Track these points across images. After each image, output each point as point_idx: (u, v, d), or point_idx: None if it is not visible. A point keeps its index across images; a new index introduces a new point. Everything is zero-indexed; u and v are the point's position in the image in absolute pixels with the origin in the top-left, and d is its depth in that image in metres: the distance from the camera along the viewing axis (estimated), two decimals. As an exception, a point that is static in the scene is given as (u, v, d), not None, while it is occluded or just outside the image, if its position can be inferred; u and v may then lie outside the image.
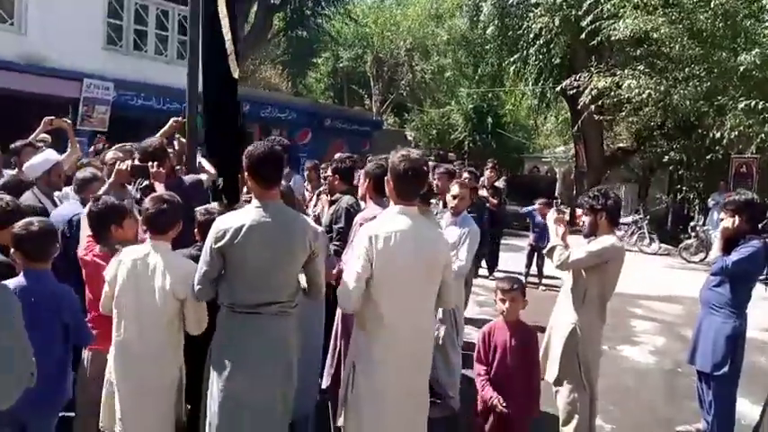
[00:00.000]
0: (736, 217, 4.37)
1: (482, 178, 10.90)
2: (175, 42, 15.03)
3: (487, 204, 9.39)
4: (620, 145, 20.95)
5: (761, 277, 5.51)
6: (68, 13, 12.01)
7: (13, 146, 5.69)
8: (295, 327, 3.08)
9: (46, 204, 4.47)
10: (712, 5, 12.54)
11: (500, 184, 10.66)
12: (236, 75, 4.14)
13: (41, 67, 11.94)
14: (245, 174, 3.02)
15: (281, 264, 2.95)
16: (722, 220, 4.51)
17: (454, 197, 4.95)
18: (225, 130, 4.21)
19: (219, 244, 2.90)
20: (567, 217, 4.20)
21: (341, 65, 30.47)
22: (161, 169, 4.19)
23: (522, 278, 9.57)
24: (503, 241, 10.77)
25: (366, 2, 31.06)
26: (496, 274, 10.34)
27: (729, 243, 4.40)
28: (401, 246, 2.94)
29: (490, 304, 8.41)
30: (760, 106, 11.85)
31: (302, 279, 3.10)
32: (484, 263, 10.26)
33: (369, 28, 29.67)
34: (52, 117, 6.08)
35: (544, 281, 9.68)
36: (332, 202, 4.49)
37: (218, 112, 4.21)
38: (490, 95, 25.67)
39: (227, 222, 2.94)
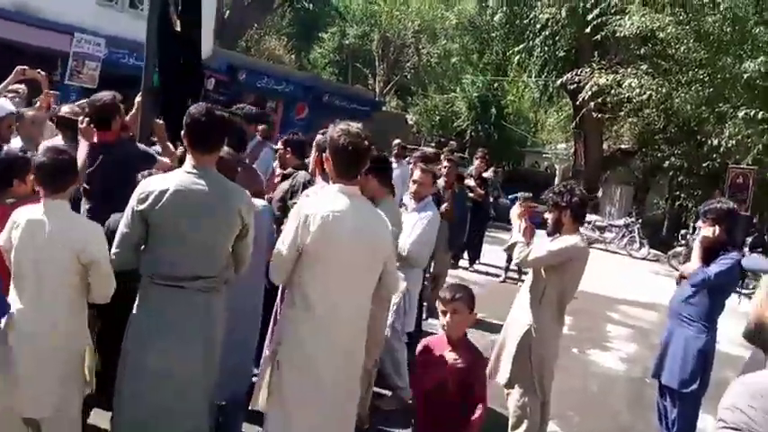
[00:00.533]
0: (717, 226, 4.16)
1: (470, 168, 10.72)
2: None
3: (471, 194, 9.21)
4: (621, 146, 20.67)
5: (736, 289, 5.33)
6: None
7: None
8: (222, 305, 2.88)
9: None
10: (721, 8, 12.24)
11: (489, 174, 10.44)
12: (177, 28, 3.91)
13: (33, 17, 11.64)
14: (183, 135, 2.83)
15: (206, 235, 2.74)
16: (701, 228, 4.31)
17: (414, 182, 4.75)
18: (182, 90, 3.99)
19: (141, 207, 2.70)
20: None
21: (347, 41, 29.97)
22: (91, 127, 3.92)
23: (501, 276, 9.62)
24: (490, 234, 10.57)
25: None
26: (477, 267, 10.21)
27: (708, 253, 4.19)
28: (336, 227, 2.73)
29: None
30: (760, 116, 11.61)
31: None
32: (466, 255, 10.15)
33: (378, 6, 29.16)
34: (25, 67, 5.82)
35: (524, 277, 9.50)
36: (284, 177, 4.27)
37: (173, 70, 3.98)
38: (495, 86, 25.32)
39: (153, 185, 2.74)
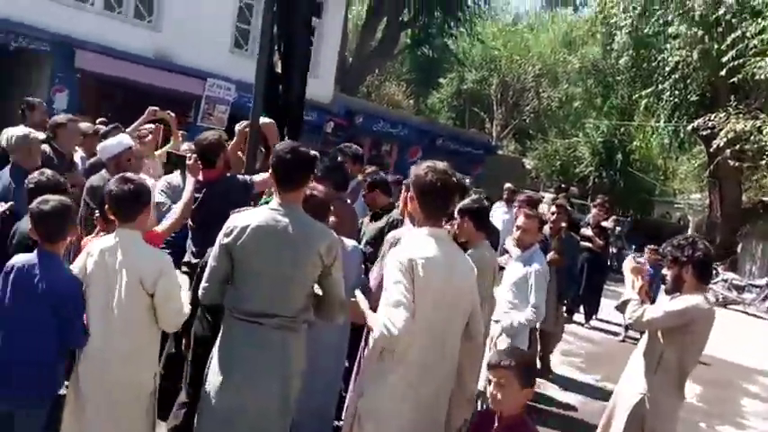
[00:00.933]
0: None
1: (587, 216, 10.09)
2: None
3: (588, 244, 8.64)
4: (764, 197, 18.83)
5: None
6: (201, 14, 12.61)
7: (103, 129, 5.91)
8: (301, 345, 2.78)
9: (110, 186, 4.53)
10: None
11: (608, 224, 9.77)
12: (278, 69, 4.03)
13: (170, 63, 12.64)
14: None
15: (284, 273, 2.66)
16: None
17: (518, 228, 4.45)
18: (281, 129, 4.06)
19: (226, 241, 2.70)
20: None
21: (465, 86, 30.06)
22: (198, 163, 4.04)
23: (620, 335, 8.84)
24: (609, 287, 9.81)
25: (497, 24, 30.46)
26: (594, 323, 9.49)
27: None
28: (430, 274, 2.54)
29: (575, 354, 7.65)
30: None
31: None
32: (582, 309, 9.46)
33: (498, 51, 29.06)
34: (156, 108, 6.23)
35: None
36: (374, 217, 4.13)
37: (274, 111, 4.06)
38: (621, 131, 24.18)
39: (238, 220, 2.73)
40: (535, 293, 4.27)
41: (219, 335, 2.81)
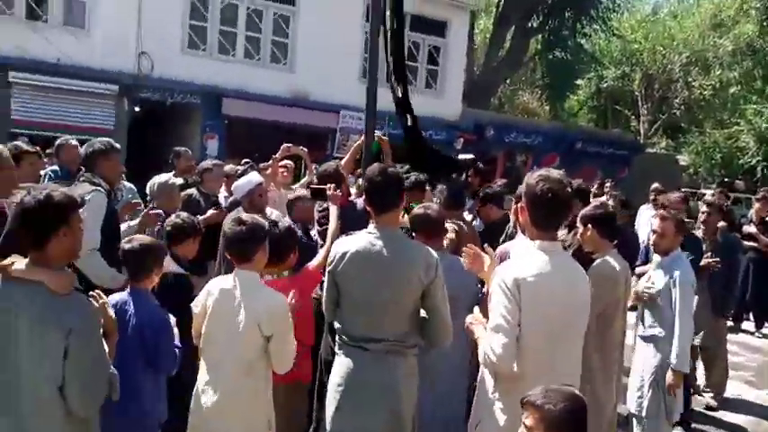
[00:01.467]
0: None
1: (750, 212, 9.11)
2: (424, 72, 15.67)
3: (752, 243, 7.79)
4: None
5: None
6: (331, 53, 13.24)
7: (238, 170, 6.40)
8: (411, 369, 2.78)
9: (248, 223, 4.87)
10: None
11: (775, 218, 8.74)
12: (398, 94, 4.16)
13: (306, 100, 13.42)
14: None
15: (385, 296, 2.69)
16: None
17: (654, 232, 4.11)
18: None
19: (330, 267, 2.80)
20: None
21: (604, 85, 28.51)
22: (338, 192, 4.24)
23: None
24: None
25: (635, 16, 28.63)
26: (766, 330, 8.46)
27: None
28: (542, 294, 2.42)
29: (744, 367, 6.86)
30: None
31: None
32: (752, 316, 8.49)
33: (638, 44, 27.31)
34: (289, 145, 6.64)
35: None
36: (488, 230, 4.02)
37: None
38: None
39: (339, 246, 2.82)
40: (680, 308, 3.89)
41: (334, 360, 2.89)
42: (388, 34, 4.22)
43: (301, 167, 7.71)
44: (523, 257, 2.56)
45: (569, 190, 2.51)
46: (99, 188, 3.71)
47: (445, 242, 3.60)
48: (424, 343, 2.82)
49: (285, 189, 6.09)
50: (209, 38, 12.66)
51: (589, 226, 3.71)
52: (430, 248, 2.82)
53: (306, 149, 6.77)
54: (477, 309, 2.86)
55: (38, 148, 4.83)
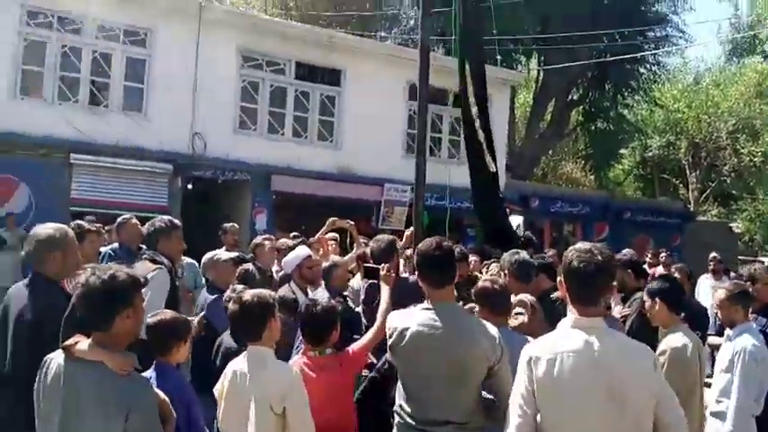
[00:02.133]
0: None
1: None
2: (446, 143, 15.75)
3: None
4: None
5: None
6: (375, 129, 13.63)
7: (288, 244, 6.47)
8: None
9: (299, 297, 4.85)
10: None
11: None
12: (492, 169, 4.21)
13: (351, 175, 13.70)
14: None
15: (451, 377, 2.60)
16: None
17: (717, 305, 3.93)
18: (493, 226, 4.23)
19: (389, 342, 2.74)
20: None
21: (649, 153, 28.26)
22: (391, 273, 4.16)
23: None
24: None
25: (676, 86, 28.59)
26: None
27: None
28: (570, 372, 2.22)
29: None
30: None
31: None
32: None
33: (681, 113, 27.16)
34: (335, 218, 6.72)
35: None
36: (539, 301, 3.86)
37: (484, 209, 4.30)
38: None
39: (395, 321, 2.75)
40: (739, 383, 3.65)
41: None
42: (474, 110, 4.27)
43: (346, 240, 7.78)
44: (550, 334, 2.41)
45: (602, 260, 2.31)
46: (161, 266, 3.77)
47: (517, 321, 3.45)
48: (489, 424, 2.68)
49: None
50: (258, 118, 13.18)
51: (657, 299, 3.57)
52: (490, 325, 2.73)
53: (352, 222, 6.84)
54: None
55: (99, 225, 5.00)
